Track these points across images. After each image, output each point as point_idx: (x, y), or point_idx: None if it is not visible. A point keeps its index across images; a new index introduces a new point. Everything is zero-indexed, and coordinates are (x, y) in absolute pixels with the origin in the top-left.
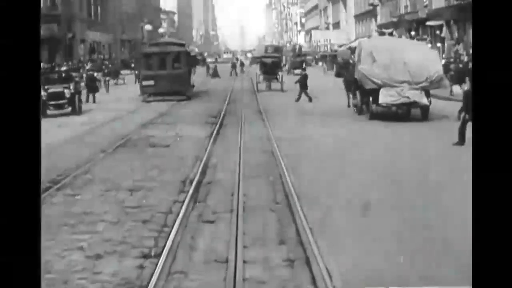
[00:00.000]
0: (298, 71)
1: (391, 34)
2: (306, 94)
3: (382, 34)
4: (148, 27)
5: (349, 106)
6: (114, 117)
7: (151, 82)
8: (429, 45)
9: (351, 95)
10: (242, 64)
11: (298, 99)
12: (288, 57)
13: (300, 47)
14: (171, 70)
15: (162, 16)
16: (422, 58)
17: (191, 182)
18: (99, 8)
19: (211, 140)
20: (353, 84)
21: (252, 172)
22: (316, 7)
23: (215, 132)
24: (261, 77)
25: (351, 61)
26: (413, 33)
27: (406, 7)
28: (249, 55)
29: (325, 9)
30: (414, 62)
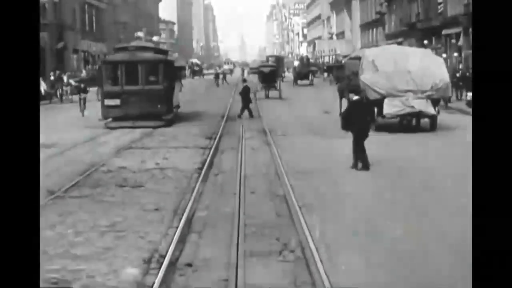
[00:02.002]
0: (304, 82)
1: (400, 44)
2: (249, 110)
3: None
4: (140, 34)
5: (340, 115)
6: (83, 141)
7: (116, 102)
8: (444, 55)
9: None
10: (224, 76)
11: (240, 115)
12: (293, 67)
13: (308, 58)
14: (145, 85)
15: (161, 26)
16: (427, 66)
17: (159, 264)
18: (93, 17)
19: (201, 176)
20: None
21: (258, 241)
22: (319, 17)
23: (207, 161)
24: (260, 86)
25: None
26: (425, 42)
27: (418, 14)
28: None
29: (329, 18)
30: (418, 70)
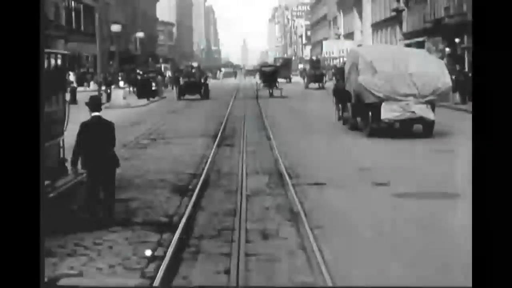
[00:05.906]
0: (316, 85)
1: (421, 44)
2: None
3: (408, 45)
4: (116, 27)
5: (339, 120)
6: None
7: None
8: None
9: (340, 108)
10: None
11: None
12: (302, 70)
13: (318, 59)
14: None
15: (159, 27)
16: (428, 69)
17: None
18: (81, 17)
19: None
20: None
21: None
22: (324, 17)
23: (161, 273)
24: (261, 85)
25: None
26: (457, 40)
27: (447, 8)
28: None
29: (335, 19)
30: (420, 73)
